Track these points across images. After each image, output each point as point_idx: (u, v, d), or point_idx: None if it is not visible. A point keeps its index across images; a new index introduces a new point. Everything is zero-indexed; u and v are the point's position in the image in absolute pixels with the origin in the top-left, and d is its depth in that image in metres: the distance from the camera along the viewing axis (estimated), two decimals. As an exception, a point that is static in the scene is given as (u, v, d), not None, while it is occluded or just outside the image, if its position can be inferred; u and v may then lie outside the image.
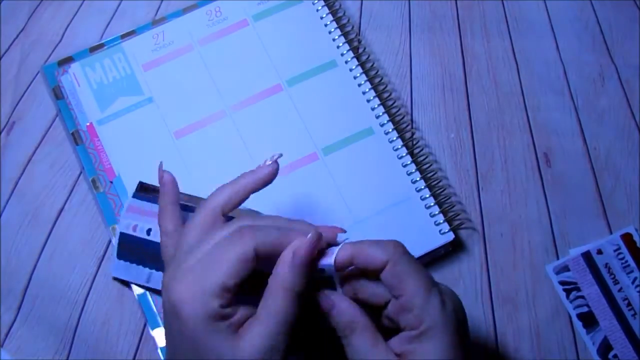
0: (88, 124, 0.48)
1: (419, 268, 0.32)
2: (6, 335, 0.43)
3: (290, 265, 0.30)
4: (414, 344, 0.30)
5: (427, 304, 0.30)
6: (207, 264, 0.30)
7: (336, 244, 0.33)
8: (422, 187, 0.45)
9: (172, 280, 0.30)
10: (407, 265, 0.31)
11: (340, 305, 0.32)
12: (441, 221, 0.44)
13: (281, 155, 0.36)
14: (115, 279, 0.44)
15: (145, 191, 0.45)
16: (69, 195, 0.47)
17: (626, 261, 0.45)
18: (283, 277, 0.30)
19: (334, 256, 0.32)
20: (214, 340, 0.29)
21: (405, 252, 0.32)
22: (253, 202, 0.45)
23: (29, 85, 0.51)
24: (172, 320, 0.30)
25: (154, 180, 0.46)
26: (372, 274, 0.32)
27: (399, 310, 0.31)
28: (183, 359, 0.30)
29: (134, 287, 0.44)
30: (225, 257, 0.30)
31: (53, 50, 0.52)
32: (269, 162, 0.35)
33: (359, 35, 0.52)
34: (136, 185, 0.45)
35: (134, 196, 0.44)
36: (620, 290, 0.44)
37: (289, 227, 0.32)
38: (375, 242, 0.32)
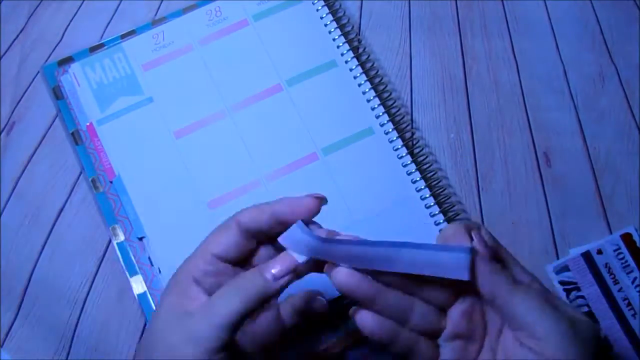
0: (88, 124, 0.48)
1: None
2: (6, 335, 0.43)
3: None
4: None
5: (554, 333, 0.26)
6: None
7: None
8: (422, 187, 0.45)
9: None
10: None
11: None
12: (441, 221, 0.44)
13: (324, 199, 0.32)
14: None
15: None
16: (69, 195, 0.47)
17: (626, 261, 0.45)
18: None
19: None
20: None
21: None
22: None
23: (29, 85, 0.51)
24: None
25: (154, 181, 0.46)
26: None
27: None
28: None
29: (134, 286, 0.44)
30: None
31: (53, 50, 0.52)
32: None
33: (359, 35, 0.52)
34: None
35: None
36: (620, 290, 0.44)
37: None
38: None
